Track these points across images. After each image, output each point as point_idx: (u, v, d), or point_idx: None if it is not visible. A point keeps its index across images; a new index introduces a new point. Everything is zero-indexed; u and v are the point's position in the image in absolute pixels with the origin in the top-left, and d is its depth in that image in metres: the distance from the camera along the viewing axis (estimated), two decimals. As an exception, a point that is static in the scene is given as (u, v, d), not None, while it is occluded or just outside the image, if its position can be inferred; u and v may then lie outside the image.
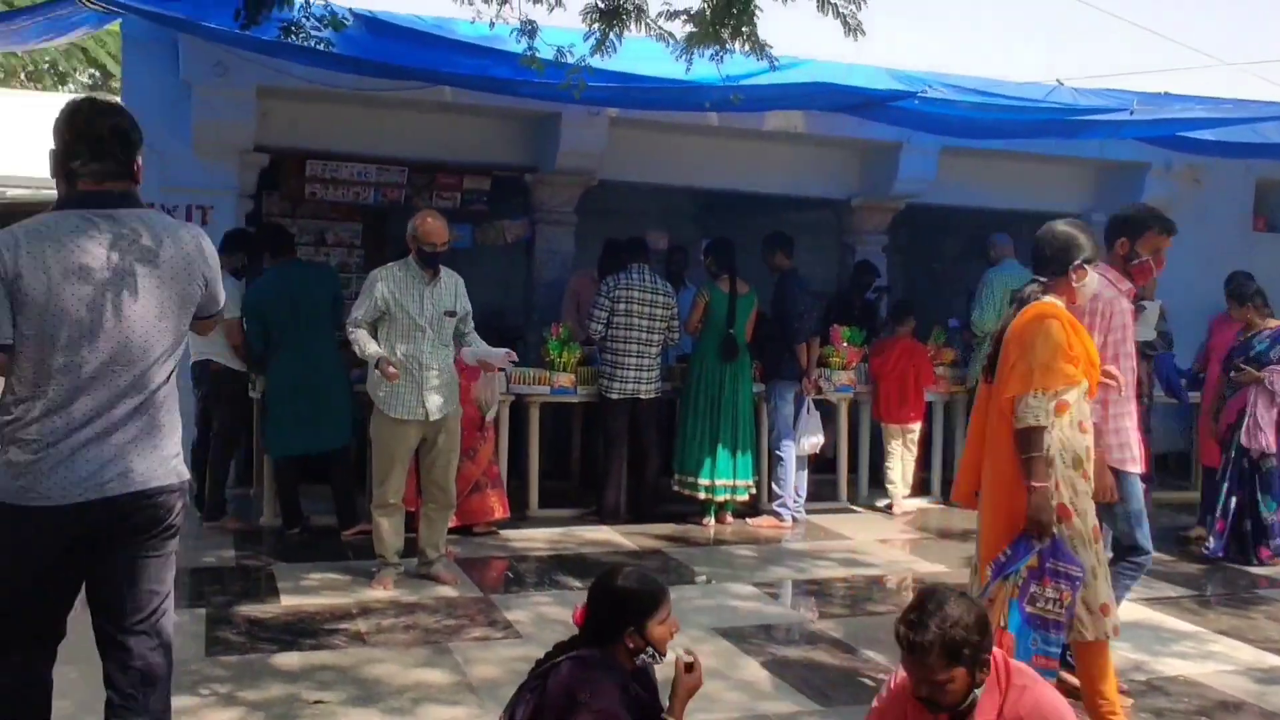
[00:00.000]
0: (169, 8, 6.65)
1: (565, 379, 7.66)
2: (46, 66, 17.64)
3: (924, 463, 8.75)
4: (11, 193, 12.00)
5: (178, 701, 4.18)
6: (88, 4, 6.28)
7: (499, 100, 8.06)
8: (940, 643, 2.79)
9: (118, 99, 10.82)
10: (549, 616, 5.45)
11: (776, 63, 6.05)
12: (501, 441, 7.38)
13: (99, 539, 2.93)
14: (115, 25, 8.20)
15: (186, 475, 3.11)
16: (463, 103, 8.26)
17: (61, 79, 19.26)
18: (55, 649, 3.12)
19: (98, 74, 19.07)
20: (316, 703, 4.28)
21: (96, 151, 2.92)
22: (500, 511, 7.10)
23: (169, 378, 3.02)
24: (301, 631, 5.14)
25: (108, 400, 2.87)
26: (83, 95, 3.07)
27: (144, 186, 7.68)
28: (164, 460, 2.99)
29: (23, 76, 18.75)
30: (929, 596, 2.91)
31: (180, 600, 5.52)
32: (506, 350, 6.07)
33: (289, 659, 4.76)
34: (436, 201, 8.66)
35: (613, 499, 7.64)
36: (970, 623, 2.83)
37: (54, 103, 14.55)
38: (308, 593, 5.76)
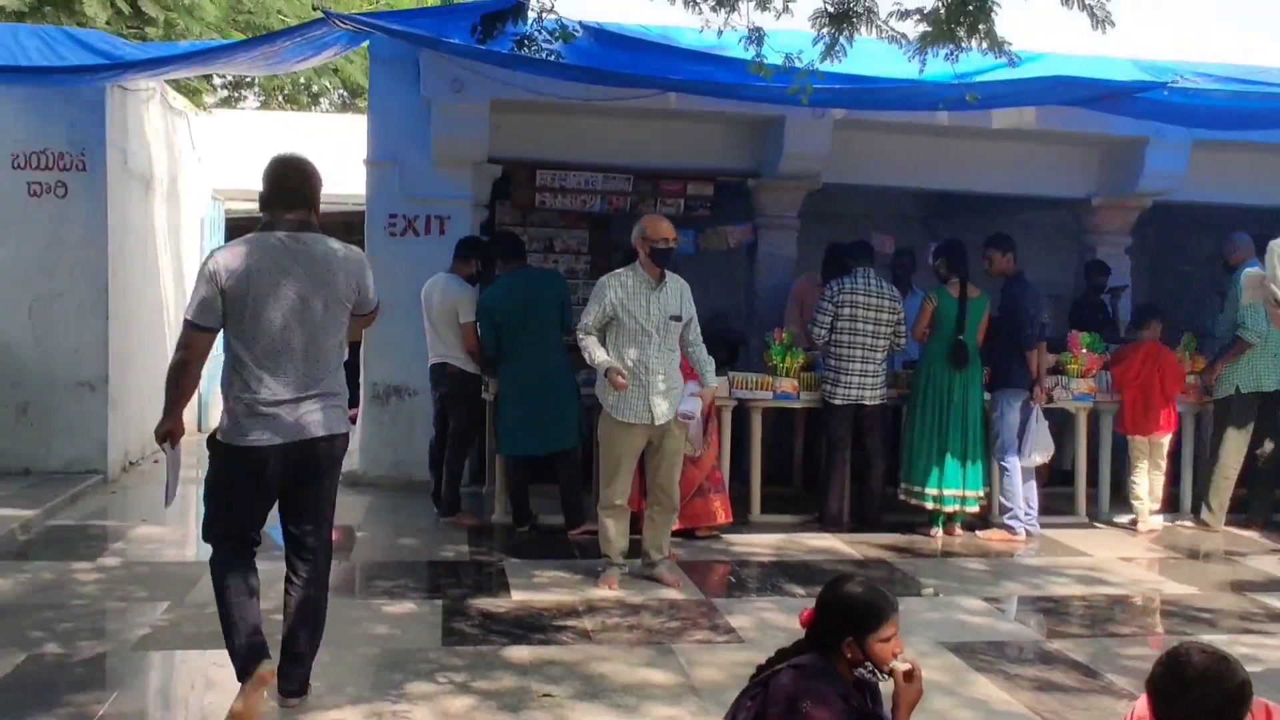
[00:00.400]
0: (413, 25, 7.01)
1: (788, 384, 7.60)
2: (302, 86, 18.89)
3: (1173, 477, 8.19)
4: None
5: (417, 687, 4.44)
6: (338, 24, 6.70)
7: (723, 106, 8.10)
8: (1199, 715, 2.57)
9: (362, 117, 11.48)
10: (771, 623, 5.41)
11: (1016, 59, 5.82)
12: (724, 447, 7.39)
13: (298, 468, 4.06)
14: (364, 46, 8.69)
15: (350, 426, 4.27)
16: (687, 109, 8.35)
17: (315, 98, 20.61)
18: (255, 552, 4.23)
19: (346, 93, 20.30)
20: (545, 696, 4.39)
21: (286, 196, 4.06)
22: (723, 516, 7.11)
23: (340, 348, 4.12)
24: (531, 626, 5.30)
25: (297, 364, 3.98)
26: (283, 154, 4.10)
27: (388, 197, 8.23)
28: (339, 414, 4.13)
29: (280, 98, 20.17)
30: (1186, 662, 2.61)
31: (418, 591, 5.85)
32: (699, 401, 6.11)
33: (519, 652, 4.91)
34: (660, 207, 8.78)
35: (836, 506, 7.53)
36: (1233, 690, 2.59)
37: (309, 121, 15.65)
38: (537, 589, 5.93)
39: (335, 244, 4.10)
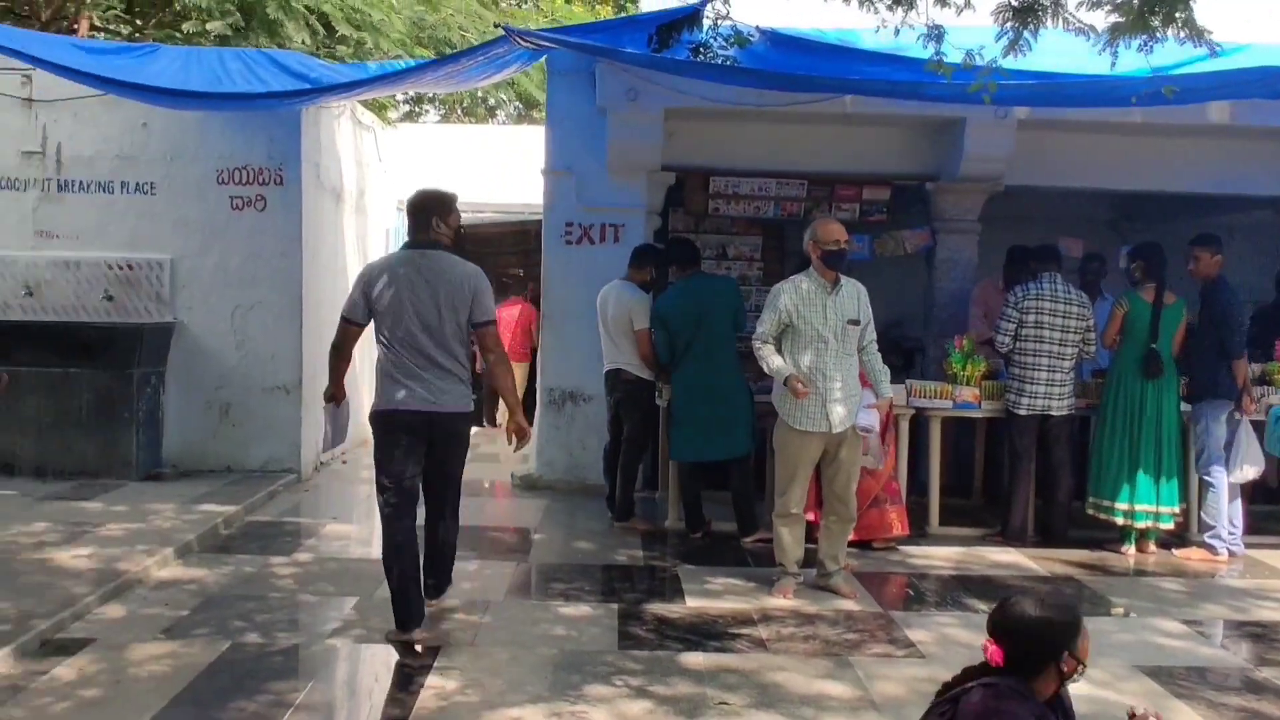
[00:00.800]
0: (591, 38, 7.12)
1: (969, 393, 7.37)
2: (480, 99, 19.49)
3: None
4: (451, 217, 13.36)
5: (594, 690, 4.50)
6: (520, 42, 6.86)
7: (900, 108, 7.94)
8: None
9: (541, 127, 11.73)
10: (954, 638, 5.26)
11: (1217, 50, 5.50)
12: (901, 457, 7.22)
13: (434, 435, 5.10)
14: (541, 60, 8.88)
15: (470, 407, 5.31)
16: (863, 112, 8.22)
17: (491, 111, 21.22)
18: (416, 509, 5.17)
19: (521, 105, 20.84)
20: (721, 704, 4.37)
21: (416, 222, 5.18)
22: (899, 528, 6.95)
23: (459, 344, 5.07)
24: (706, 633, 5.29)
25: (421, 350, 5.00)
26: (418, 190, 5.28)
27: (565, 206, 8.38)
28: (459, 395, 5.12)
29: (459, 111, 20.85)
30: None
31: (594, 594, 5.92)
32: (877, 413, 6.00)
33: (695, 659, 4.91)
34: (835, 212, 8.66)
35: (1019, 520, 7.26)
36: None
37: (485, 133, 16.10)
38: (711, 596, 5.92)
39: (455, 260, 5.12)
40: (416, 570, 5.12)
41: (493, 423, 12.19)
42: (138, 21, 14.05)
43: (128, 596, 5.62)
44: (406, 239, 5.25)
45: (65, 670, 4.59)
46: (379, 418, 5.09)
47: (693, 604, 5.77)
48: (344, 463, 9.96)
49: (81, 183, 8.81)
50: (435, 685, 4.52)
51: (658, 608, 5.69)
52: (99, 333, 8.35)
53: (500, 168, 13.53)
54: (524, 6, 18.29)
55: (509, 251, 18.33)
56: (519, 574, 6.35)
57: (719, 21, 6.24)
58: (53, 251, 8.75)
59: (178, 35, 12.42)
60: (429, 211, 5.15)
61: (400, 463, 5.05)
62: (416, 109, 19.49)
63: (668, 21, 6.23)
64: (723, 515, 7.33)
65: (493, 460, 10.41)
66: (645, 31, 6.61)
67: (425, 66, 8.13)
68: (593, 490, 8.28)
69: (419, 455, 5.08)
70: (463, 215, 13.35)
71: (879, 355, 6.00)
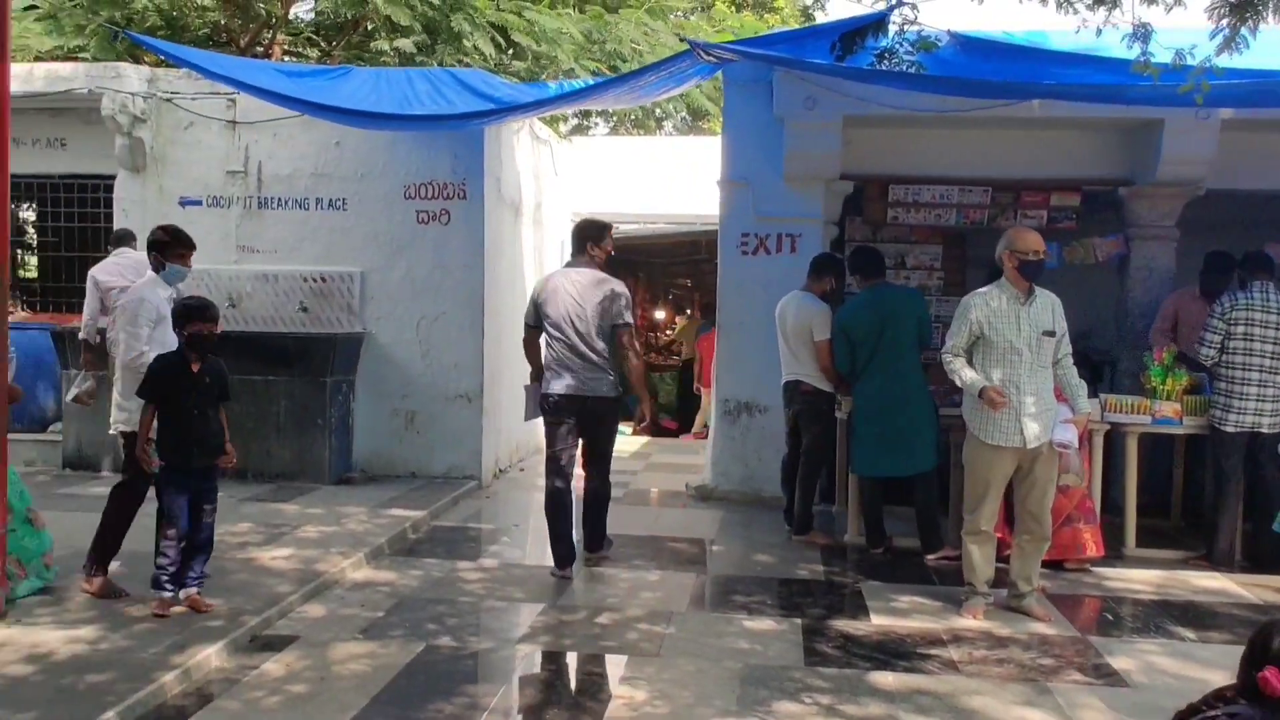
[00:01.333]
0: (774, 49, 7.07)
1: (1169, 408, 7.00)
2: (649, 109, 19.62)
3: None
4: (624, 228, 13.52)
5: (783, 706, 4.45)
6: (704, 56, 6.87)
7: (1092, 110, 7.61)
8: None
9: (710, 137, 11.75)
10: (1160, 667, 5.00)
11: None
12: (1095, 474, 6.91)
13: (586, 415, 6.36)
14: (718, 71, 8.88)
15: (614, 394, 6.38)
16: (1051, 116, 7.93)
17: (658, 122, 21.35)
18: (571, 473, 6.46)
19: (689, 116, 20.90)
20: (916, 727, 4.27)
21: (578, 244, 6.54)
22: (1094, 548, 6.65)
23: (605, 343, 6.28)
24: (894, 652, 5.17)
25: (580, 348, 6.27)
26: (585, 219, 6.66)
27: (741, 216, 8.38)
28: (605, 384, 6.31)
29: (628, 123, 21.05)
30: None
31: (776, 608, 5.86)
32: (1074, 429, 5.72)
33: (884, 678, 4.80)
34: (1021, 220, 8.37)
35: (1226, 543, 6.84)
36: None
37: (654, 145, 16.21)
38: (897, 614, 5.79)
39: (603, 276, 6.37)
40: (569, 520, 6.46)
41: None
42: (324, 45, 14.72)
43: (326, 596, 5.86)
44: (570, 257, 6.68)
45: (274, 666, 4.81)
46: (544, 401, 6.41)
47: (878, 621, 5.65)
48: (521, 470, 10.17)
49: (279, 199, 9.27)
50: (624, 695, 4.55)
51: (843, 624, 5.60)
52: (296, 342, 8.76)
53: (669, 180, 13.63)
54: (692, 17, 18.36)
55: (678, 262, 18.46)
56: (699, 585, 6.35)
57: (905, 27, 6.09)
58: (253, 265, 9.23)
59: (365, 55, 12.94)
60: (587, 237, 6.48)
61: (558, 436, 6.38)
62: (585, 121, 19.78)
63: (852, 29, 6.12)
64: (904, 531, 7.17)
65: (667, 470, 10.46)
66: (827, 40, 6.51)
67: (608, 84, 8.23)
68: (768, 502, 8.22)
69: (573, 430, 6.37)
70: (633, 227, 13.71)
71: (1075, 369, 5.76)
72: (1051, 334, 5.60)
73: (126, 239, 8.36)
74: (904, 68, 6.18)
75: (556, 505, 6.44)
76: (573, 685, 4.83)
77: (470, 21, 12.42)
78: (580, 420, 6.35)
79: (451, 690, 4.61)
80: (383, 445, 9.12)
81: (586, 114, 19.67)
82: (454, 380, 9.07)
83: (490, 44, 12.50)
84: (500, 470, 9.74)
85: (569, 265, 6.60)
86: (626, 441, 11.30)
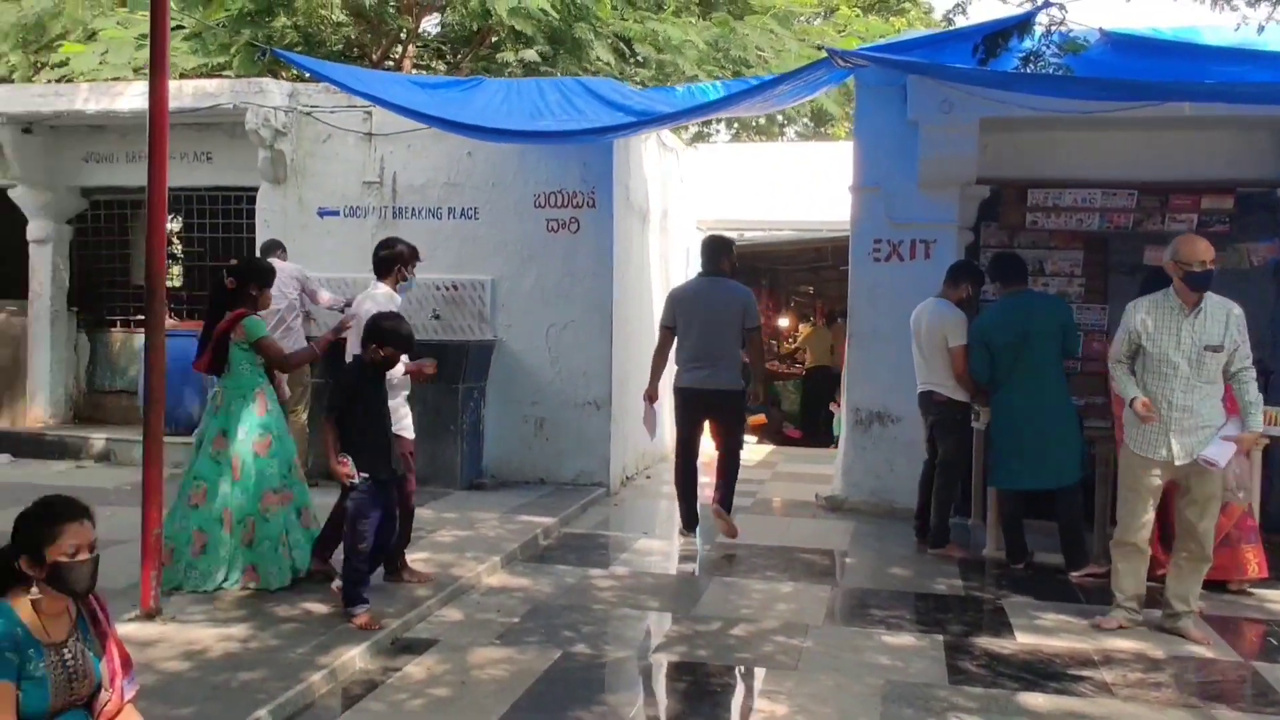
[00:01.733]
0: (911, 54, 6.92)
1: (1334, 421, 6.62)
2: (773, 116, 19.51)
3: None
4: (747, 235, 13.46)
5: (935, 727, 4.30)
6: (841, 62, 6.77)
7: (1245, 109, 7.24)
8: None
9: (834, 143, 11.59)
10: (1334, 697, 4.72)
11: None
12: (1255, 491, 6.57)
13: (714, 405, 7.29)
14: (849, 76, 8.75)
15: (741, 386, 7.30)
16: (1202, 115, 7.59)
17: (781, 127, 21.24)
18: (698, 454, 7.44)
19: (811, 122, 20.74)
20: (1071, 752, 4.10)
21: (709, 256, 7.40)
22: (1256, 569, 6.31)
23: (734, 343, 7.17)
24: (1043, 673, 4.98)
25: (705, 347, 7.13)
26: (714, 234, 7.72)
27: (873, 222, 8.27)
28: (732, 377, 7.18)
29: (750, 130, 20.97)
30: None
31: (914, 623, 5.72)
32: (1231, 447, 5.40)
33: (1034, 699, 4.63)
34: (1170, 224, 8.03)
35: (1402, 566, 6.45)
36: None
37: (777, 151, 16.11)
38: (1043, 632, 5.59)
39: (734, 284, 7.33)
40: (695, 492, 7.50)
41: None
42: (450, 58, 15.01)
43: (463, 601, 5.92)
44: (701, 268, 7.55)
45: (415, 669, 4.87)
46: (679, 392, 7.35)
47: (1024, 640, 5.46)
48: (647, 478, 10.17)
49: (413, 209, 9.46)
50: (764, 709, 4.49)
51: (986, 642, 5.43)
52: (431, 350, 8.82)
53: (792, 186, 13.50)
54: (816, 22, 18.20)
55: (801, 269, 18.30)
56: (834, 598, 6.23)
57: (1053, 28, 5.88)
58: (388, 274, 9.41)
59: (491, 66, 13.14)
60: (718, 251, 7.44)
61: (688, 422, 7.38)
62: (705, 129, 19.77)
63: (995, 30, 5.94)
64: (1046, 546, 6.94)
65: (793, 479, 10.35)
66: (967, 43, 6.34)
67: (743, 93, 8.14)
68: (900, 514, 8.04)
69: (701, 417, 7.36)
70: (757, 234, 13.60)
71: (1253, 384, 5.43)
72: (1218, 349, 5.33)
73: (275, 248, 8.67)
74: (1052, 71, 5.96)
75: (686, 478, 7.43)
76: (711, 698, 4.78)
77: (593, 31, 12.52)
78: (711, 408, 7.27)
79: (590, 699, 4.61)
80: (512, 451, 9.22)
81: (707, 121, 19.67)
82: (583, 387, 9.12)
83: (611, 52, 12.58)
84: (627, 478, 9.75)
85: (704, 275, 7.44)
86: (751, 450, 11.21)
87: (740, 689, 4.85)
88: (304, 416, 8.59)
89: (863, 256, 8.52)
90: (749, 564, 6.91)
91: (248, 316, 5.85)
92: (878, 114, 8.45)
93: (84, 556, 3.10)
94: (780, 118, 20.34)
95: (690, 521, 7.46)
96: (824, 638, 5.46)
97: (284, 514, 5.88)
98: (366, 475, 5.33)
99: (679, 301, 7.37)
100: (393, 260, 6.18)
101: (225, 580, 5.74)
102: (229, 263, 10.14)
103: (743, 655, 5.18)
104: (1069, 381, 6.88)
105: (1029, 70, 6.04)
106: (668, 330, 7.35)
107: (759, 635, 5.45)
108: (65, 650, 3.09)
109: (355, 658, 4.85)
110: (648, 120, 8.27)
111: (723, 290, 7.23)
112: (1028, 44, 6.10)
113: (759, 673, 4.94)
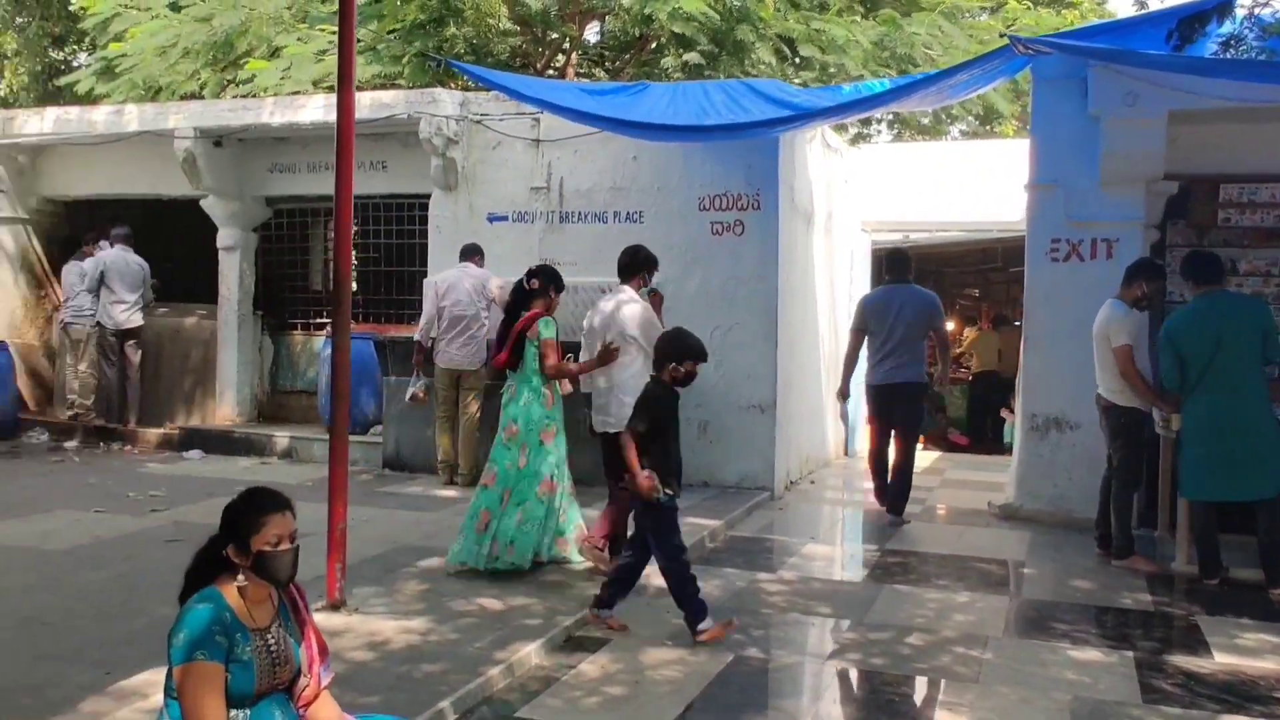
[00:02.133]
0: (1097, 40, 6.64)
1: None
2: (938, 114, 19.02)
3: None
4: (912, 236, 13.17)
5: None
6: (1022, 49, 6.53)
7: None
8: None
9: (1001, 140, 11.20)
10: None
11: None
12: None
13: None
14: (1026, 67, 8.45)
15: (924, 379, 8.29)
16: None
17: (945, 125, 20.67)
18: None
19: (976, 119, 20.11)
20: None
21: (895, 267, 8.42)
22: None
23: (920, 342, 8.17)
24: (1246, 695, 4.69)
25: (894, 347, 8.02)
26: (897, 247, 8.74)
27: (1050, 221, 8.00)
28: (916, 372, 8.14)
29: (912, 129, 20.50)
30: None
31: (1101, 638, 5.49)
32: None
33: (1237, 724, 4.38)
34: (1381, 220, 7.49)
35: None
36: None
37: (942, 150, 15.72)
38: (1244, 653, 5.27)
39: (920, 290, 8.24)
40: (887, 475, 8.28)
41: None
42: (610, 65, 15.15)
43: (633, 601, 5.92)
44: (887, 276, 8.49)
45: (589, 667, 4.91)
46: (870, 389, 8.30)
47: (1222, 659, 5.16)
48: (811, 483, 10.04)
49: (579, 213, 9.58)
50: (945, 721, 4.36)
51: (1181, 660, 5.15)
52: (598, 351, 8.99)
53: (957, 186, 13.11)
54: (983, 17, 17.66)
55: (967, 271, 17.80)
56: (1013, 609, 6.02)
57: (1256, 9, 5.55)
58: (555, 278, 9.56)
59: (653, 71, 13.20)
60: (904, 262, 8.40)
61: (881, 413, 8.26)
62: (865, 129, 19.42)
63: (1191, 14, 5.64)
64: (1241, 561, 6.55)
65: (962, 486, 10.06)
66: (1157, 28, 6.04)
67: (916, 84, 7.97)
68: (1079, 524, 7.70)
69: (889, 409, 8.18)
70: (922, 236, 13.29)
71: None
72: None
73: (474, 252, 8.96)
74: (1253, 55, 5.62)
75: (879, 463, 8.36)
76: (889, 707, 4.66)
77: (756, 33, 12.43)
78: (896, 400, 8.08)
79: (764, 703, 4.56)
80: (676, 454, 9.21)
81: (867, 121, 19.31)
82: (747, 390, 9.06)
83: (773, 54, 12.46)
84: (791, 482, 9.64)
85: (892, 283, 8.36)
86: (920, 457, 10.95)
87: (918, 699, 4.72)
88: (477, 416, 8.75)
89: (1039, 256, 8.21)
90: (921, 572, 6.74)
91: (543, 317, 6.38)
92: (1056, 108, 8.13)
93: (286, 546, 3.21)
94: (944, 115, 19.79)
95: (895, 506, 8.20)
96: (1004, 650, 5.28)
97: (551, 501, 6.30)
98: (671, 494, 5.34)
99: (870, 307, 8.30)
100: (640, 265, 6.61)
101: (497, 560, 6.14)
102: (405, 267, 10.56)
103: (919, 665, 5.04)
104: (1271, 388, 6.48)
105: (1229, 56, 5.70)
106: (858, 334, 8.34)
107: (936, 645, 5.30)
108: (269, 635, 3.20)
109: (530, 654, 4.92)
110: (816, 113, 8.17)
111: (912, 296, 8.16)
112: (1227, 28, 5.78)
113: (938, 684, 4.80)
